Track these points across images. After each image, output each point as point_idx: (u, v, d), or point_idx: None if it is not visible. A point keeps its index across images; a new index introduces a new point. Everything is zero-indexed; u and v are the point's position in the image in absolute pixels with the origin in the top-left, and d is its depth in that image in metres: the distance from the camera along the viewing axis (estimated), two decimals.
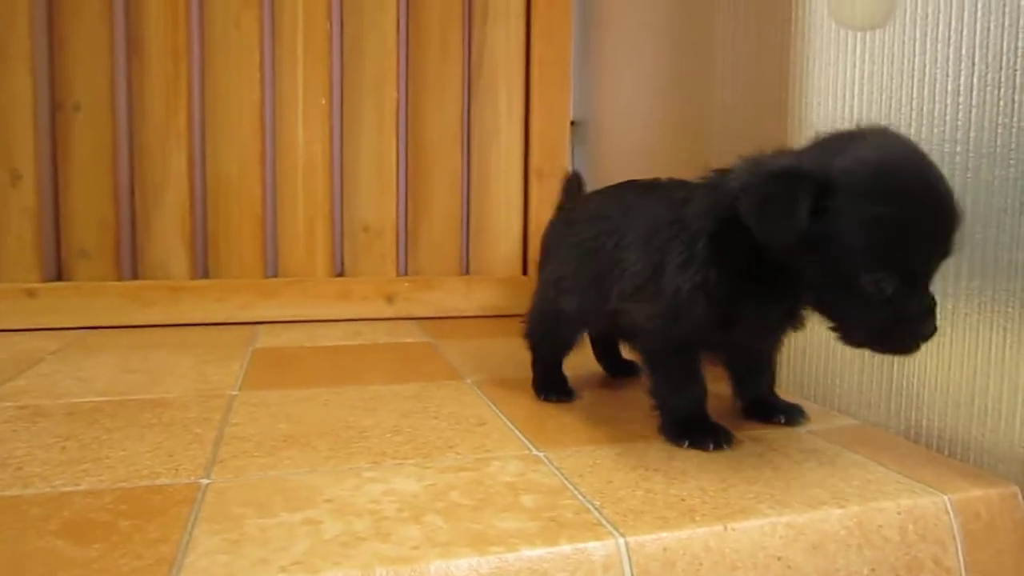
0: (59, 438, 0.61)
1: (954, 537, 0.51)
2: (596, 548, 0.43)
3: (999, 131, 0.57)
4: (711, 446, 0.59)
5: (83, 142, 1.14)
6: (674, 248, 0.58)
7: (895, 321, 0.50)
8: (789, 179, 0.50)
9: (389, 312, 1.25)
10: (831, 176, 0.48)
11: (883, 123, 0.55)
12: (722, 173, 0.58)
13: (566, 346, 0.76)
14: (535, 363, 0.78)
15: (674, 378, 0.62)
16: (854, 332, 0.52)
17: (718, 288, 0.56)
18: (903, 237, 0.48)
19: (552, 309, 0.74)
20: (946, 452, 0.61)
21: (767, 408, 0.68)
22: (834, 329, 0.54)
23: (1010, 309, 0.56)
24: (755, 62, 0.86)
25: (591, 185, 1.34)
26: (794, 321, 0.59)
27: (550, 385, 0.75)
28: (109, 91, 1.14)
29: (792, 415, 0.67)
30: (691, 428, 0.60)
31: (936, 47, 0.62)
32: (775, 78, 0.81)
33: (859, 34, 0.69)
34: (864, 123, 0.54)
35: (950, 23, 0.61)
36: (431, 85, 1.27)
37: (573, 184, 0.88)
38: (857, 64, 0.69)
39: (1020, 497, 0.53)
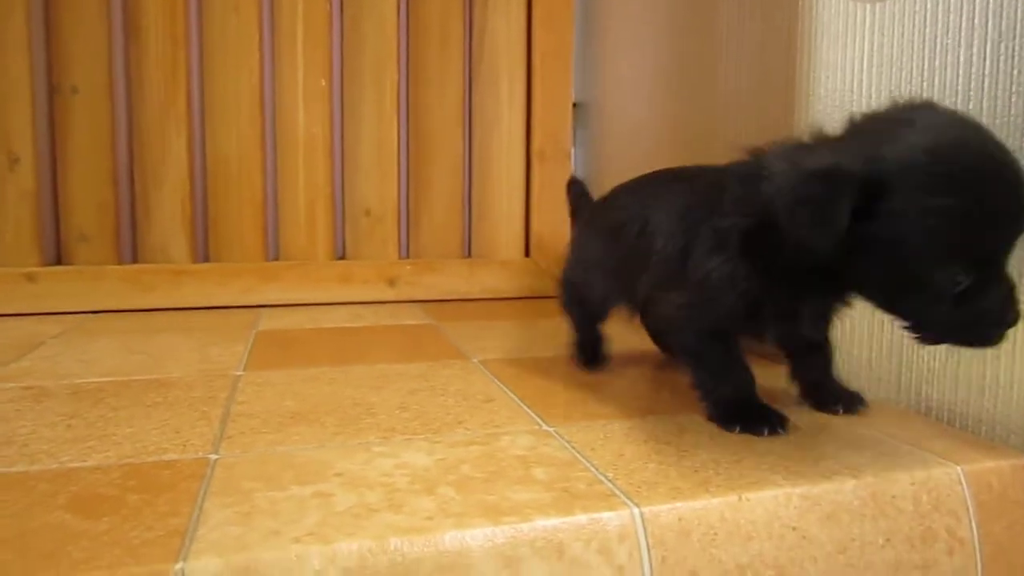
0: (64, 416, 0.61)
1: (967, 508, 0.50)
2: (611, 518, 0.43)
3: (1012, 100, 0.56)
4: (765, 431, 0.55)
5: (81, 125, 1.13)
6: (703, 233, 0.56)
7: (976, 313, 0.46)
8: (829, 181, 0.46)
9: (391, 295, 1.24)
10: (882, 172, 0.45)
11: (926, 98, 0.51)
12: (755, 159, 0.55)
13: (597, 317, 0.77)
14: (572, 330, 0.79)
15: (713, 365, 0.59)
16: (931, 330, 0.49)
17: (748, 282, 0.54)
18: (974, 226, 0.44)
19: (580, 285, 0.75)
20: (957, 425, 0.61)
21: (825, 394, 0.63)
22: (907, 328, 0.50)
23: (1021, 278, 0.56)
24: (761, 39, 0.85)
25: (592, 167, 1.34)
26: (833, 313, 0.57)
27: (585, 351, 0.77)
28: (107, 74, 1.13)
29: (850, 404, 0.63)
30: (741, 413, 0.57)
31: (948, 16, 0.61)
32: (782, 55, 0.80)
33: (868, 5, 0.68)
34: (905, 100, 0.50)
35: None
36: (432, 67, 1.26)
37: (576, 188, 0.87)
38: (866, 36, 0.69)
39: None
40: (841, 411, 0.62)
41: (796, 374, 0.65)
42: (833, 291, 0.55)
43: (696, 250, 0.56)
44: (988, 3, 0.58)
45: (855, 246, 0.46)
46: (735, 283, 0.54)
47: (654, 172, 0.71)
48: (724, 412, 0.58)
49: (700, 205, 0.58)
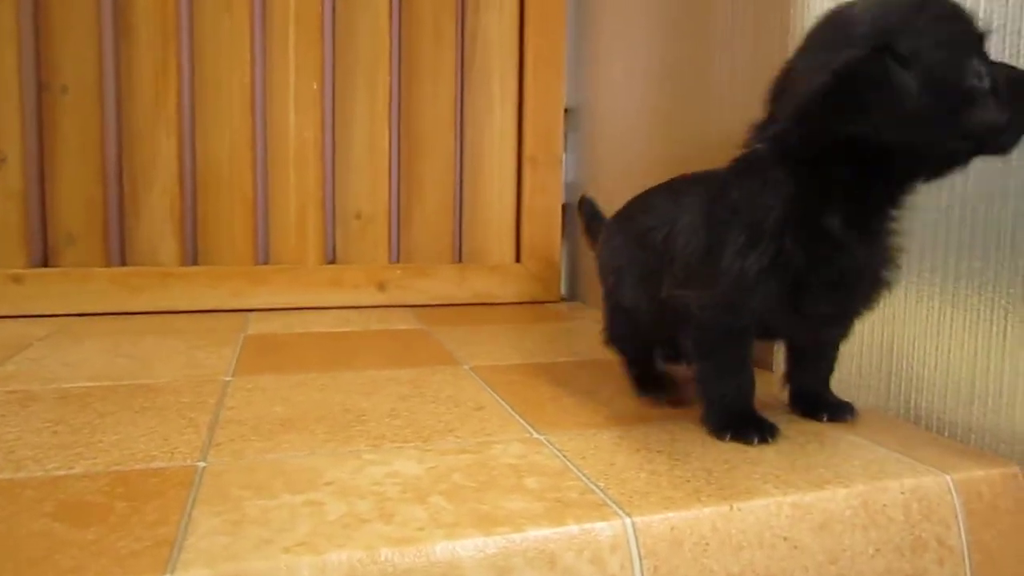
0: (50, 422, 0.60)
1: (957, 517, 0.51)
2: (603, 528, 0.43)
3: None
4: (755, 439, 0.56)
5: (70, 125, 1.12)
6: (731, 231, 0.54)
7: (1014, 86, 0.49)
8: (865, 64, 0.47)
9: (381, 299, 1.24)
10: (884, 33, 0.48)
11: None
12: (755, 138, 0.56)
13: (646, 338, 0.72)
14: (626, 364, 0.74)
15: (722, 366, 0.59)
16: (997, 128, 0.50)
17: (798, 255, 0.52)
18: (955, 20, 0.49)
19: (621, 304, 0.70)
20: (946, 433, 0.61)
21: (815, 402, 0.63)
22: (984, 149, 0.51)
23: (1012, 290, 0.56)
24: (752, 45, 0.85)
25: (584, 171, 1.34)
26: (888, 272, 0.56)
27: (653, 381, 0.71)
28: (97, 73, 1.12)
29: (836, 412, 0.63)
30: (735, 420, 0.57)
31: None
32: (775, 58, 0.80)
33: None
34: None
35: None
36: (424, 71, 1.26)
37: (587, 207, 0.85)
38: None
39: (1021, 477, 0.53)
40: (826, 419, 0.62)
41: (791, 376, 0.65)
42: (884, 218, 0.54)
43: (726, 249, 0.54)
44: (980, 6, 0.58)
45: (901, 110, 0.48)
46: (777, 269, 0.53)
47: (676, 178, 0.69)
48: (718, 419, 0.58)
49: (719, 206, 0.57)
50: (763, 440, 0.56)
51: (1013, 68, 0.51)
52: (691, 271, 0.58)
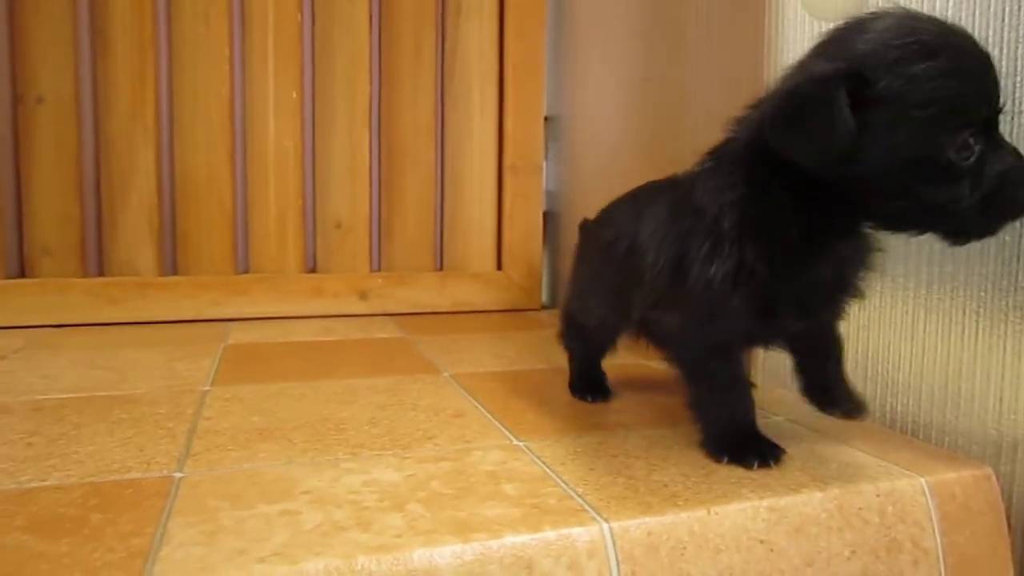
0: (24, 434, 0.59)
1: (931, 518, 0.51)
2: (580, 533, 0.43)
3: None
4: (755, 463, 0.53)
5: (46, 136, 1.11)
6: (695, 238, 0.52)
7: (999, 176, 0.44)
8: (813, 85, 0.44)
9: (362, 308, 1.24)
10: (861, 63, 0.44)
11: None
12: (717, 149, 0.54)
13: (599, 351, 0.73)
14: (571, 361, 0.75)
15: (714, 387, 0.55)
16: (962, 218, 0.45)
17: (759, 264, 0.50)
18: (964, 80, 0.43)
19: (578, 317, 0.70)
20: (921, 436, 0.62)
21: (828, 396, 0.60)
22: (940, 233, 0.47)
23: (983, 293, 0.57)
24: (728, 55, 0.86)
25: (564, 180, 1.35)
26: (858, 277, 0.54)
27: (586, 385, 0.72)
28: (73, 84, 1.12)
29: (849, 412, 0.59)
30: (733, 442, 0.54)
31: None
32: (749, 71, 0.82)
33: (827, 22, 0.69)
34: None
35: (922, 7, 0.61)
36: (404, 79, 1.26)
37: (588, 228, 0.84)
38: None
39: (994, 479, 0.54)
40: (839, 414, 0.59)
41: (801, 373, 0.61)
42: (849, 232, 0.51)
43: (693, 260, 0.52)
44: (947, 14, 0.59)
45: (860, 151, 0.44)
46: (744, 272, 0.50)
47: (640, 186, 0.68)
48: (716, 440, 0.55)
49: (684, 213, 0.54)
50: (764, 464, 0.53)
51: (1020, 159, 0.46)
52: (662, 290, 0.55)
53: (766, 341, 0.60)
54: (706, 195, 0.52)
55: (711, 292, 0.51)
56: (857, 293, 0.55)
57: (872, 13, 0.48)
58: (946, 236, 0.48)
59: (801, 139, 0.45)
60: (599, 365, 0.74)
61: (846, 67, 0.44)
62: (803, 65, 0.49)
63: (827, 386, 0.60)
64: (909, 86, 0.43)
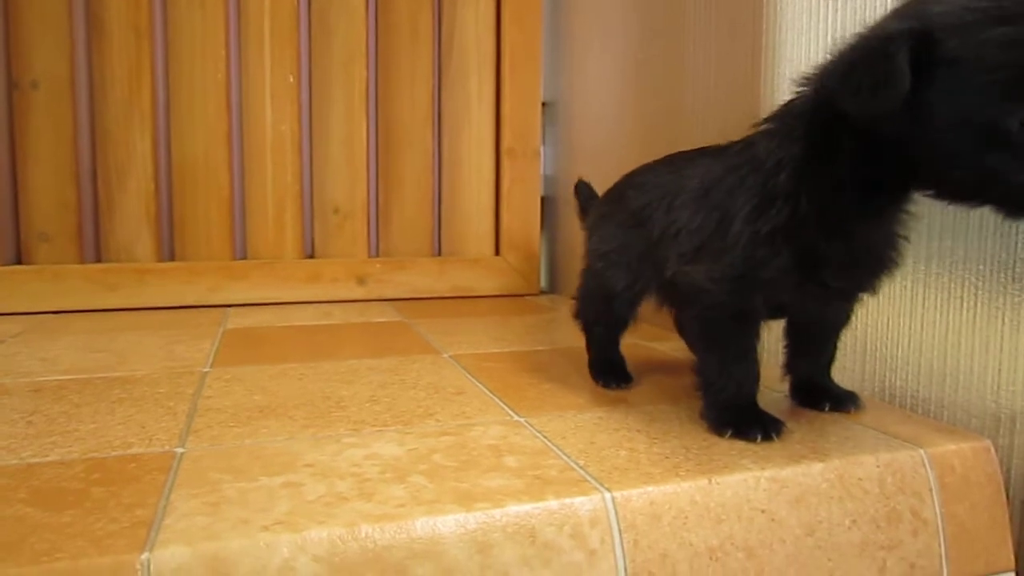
0: (24, 413, 0.59)
1: (931, 489, 0.51)
2: (583, 503, 0.43)
3: None
4: (759, 437, 0.52)
5: (42, 121, 1.11)
6: (741, 195, 0.52)
7: None
8: (877, 40, 0.44)
9: (360, 294, 1.24)
10: (931, 22, 0.42)
11: None
12: (778, 111, 0.53)
13: (620, 324, 0.70)
14: (589, 345, 0.73)
15: (727, 353, 0.55)
16: (1015, 194, 0.44)
17: (810, 220, 0.49)
18: None
19: (600, 287, 0.69)
20: (920, 411, 0.62)
21: (818, 392, 0.61)
22: (995, 207, 0.46)
23: (981, 267, 0.57)
24: (726, 36, 0.86)
25: (562, 164, 1.34)
26: (896, 252, 0.53)
27: (606, 369, 0.70)
28: (69, 69, 1.11)
29: (841, 403, 0.61)
30: (737, 415, 0.54)
31: None
32: (747, 52, 0.82)
33: (831, 2, 0.69)
34: None
35: None
36: (401, 64, 1.26)
37: (583, 190, 0.83)
38: (829, 32, 0.70)
39: (993, 451, 0.54)
40: (828, 408, 0.61)
41: (792, 366, 0.63)
42: (902, 200, 0.51)
43: (736, 215, 0.52)
44: None
45: (922, 111, 0.43)
46: (791, 228, 0.50)
47: (672, 154, 0.67)
48: (718, 414, 0.55)
49: (732, 173, 0.54)
50: (767, 437, 0.52)
51: None
52: (700, 243, 0.54)
53: (792, 309, 0.59)
54: (766, 150, 0.52)
55: (753, 246, 0.51)
56: (893, 266, 0.54)
57: None
58: (1000, 209, 0.46)
59: (855, 90, 0.44)
60: (618, 347, 0.72)
61: (916, 26, 0.43)
62: (877, 25, 0.48)
63: (817, 381, 0.62)
64: (979, 50, 0.41)
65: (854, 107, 0.45)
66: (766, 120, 0.54)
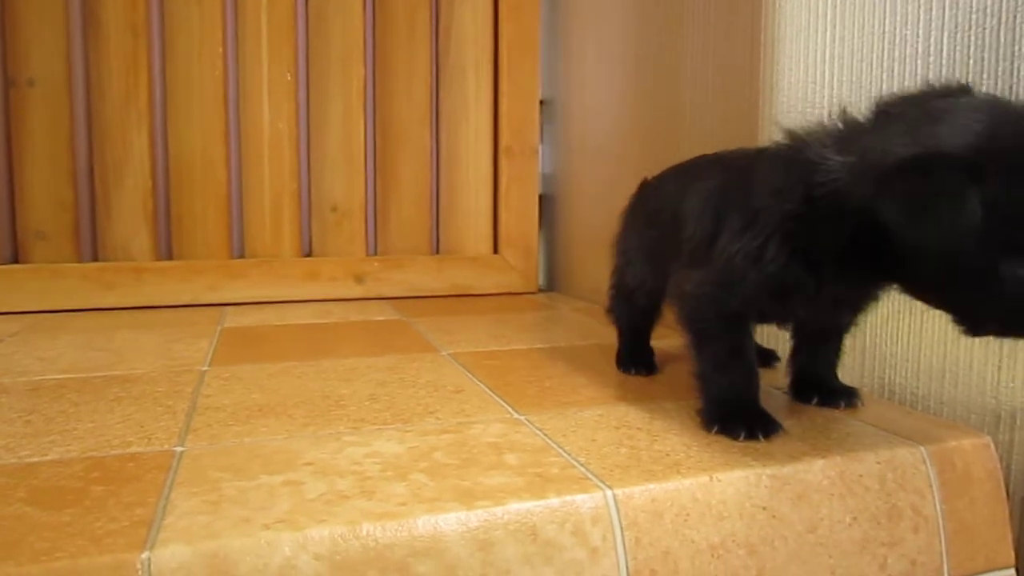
0: (22, 412, 0.59)
1: (931, 486, 0.51)
2: (584, 500, 0.43)
3: None
4: (742, 435, 0.52)
5: (39, 119, 1.10)
6: (732, 214, 0.53)
7: None
8: (948, 171, 0.41)
9: (358, 292, 1.23)
10: (977, 158, 0.41)
11: (959, 81, 0.48)
12: (793, 144, 0.52)
13: (642, 318, 0.74)
14: (619, 335, 0.77)
15: (720, 354, 0.56)
16: (986, 323, 0.46)
17: (775, 264, 0.51)
18: None
19: (622, 283, 0.74)
20: (920, 407, 0.62)
21: (812, 387, 0.62)
22: (959, 322, 0.46)
23: None
24: (725, 33, 0.86)
25: (560, 162, 1.34)
26: (868, 302, 0.55)
27: (632, 358, 0.74)
28: (65, 67, 1.11)
29: (832, 399, 0.61)
30: (726, 412, 0.54)
31: (906, 7, 0.62)
32: (746, 47, 0.81)
33: None
34: (939, 82, 0.48)
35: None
36: (399, 62, 1.26)
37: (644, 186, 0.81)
38: (828, 28, 0.70)
39: (992, 447, 0.54)
40: (815, 403, 0.61)
41: (793, 362, 0.63)
42: (872, 282, 0.52)
43: (725, 231, 0.54)
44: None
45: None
46: (762, 264, 0.51)
47: (692, 159, 0.69)
48: (710, 412, 0.55)
49: (732, 188, 0.55)
50: (751, 436, 0.52)
51: None
52: (697, 255, 0.57)
53: (780, 320, 0.61)
54: (764, 191, 0.52)
55: (734, 263, 0.52)
56: (860, 311, 0.57)
57: (961, 89, 0.46)
58: (971, 329, 0.47)
59: (922, 222, 0.42)
60: (647, 339, 0.76)
61: (973, 158, 0.41)
62: (913, 125, 0.45)
63: (818, 376, 0.62)
64: (1008, 205, 0.41)
65: (914, 238, 0.43)
66: (780, 149, 0.53)
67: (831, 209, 0.47)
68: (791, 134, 0.53)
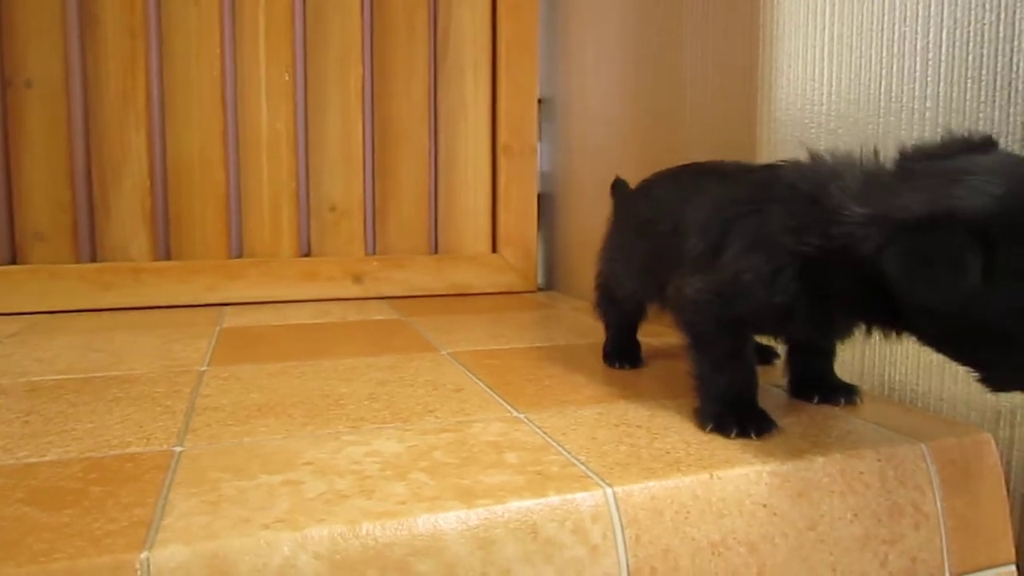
0: (20, 413, 0.59)
1: (931, 483, 0.51)
2: (584, 498, 0.43)
3: (968, 85, 0.58)
4: (733, 432, 0.52)
5: (36, 120, 1.10)
6: (741, 230, 0.53)
7: None
8: (951, 234, 0.41)
9: (357, 292, 1.23)
10: (988, 223, 0.41)
11: (983, 133, 0.48)
12: (814, 178, 0.51)
13: (629, 319, 0.76)
14: (606, 330, 0.78)
15: (719, 356, 0.56)
16: (1005, 378, 0.45)
17: (784, 294, 0.51)
18: None
19: (607, 287, 0.74)
20: (920, 405, 0.62)
21: (811, 385, 0.62)
22: (980, 379, 0.46)
23: None
24: (724, 32, 0.86)
25: (559, 161, 1.34)
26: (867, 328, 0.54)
27: (618, 352, 0.75)
28: (63, 68, 1.10)
29: (832, 396, 0.61)
30: (722, 410, 0.54)
31: (905, 4, 0.62)
32: (745, 45, 0.81)
33: None
34: (962, 135, 0.47)
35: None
36: (397, 61, 1.26)
37: (620, 189, 0.82)
38: (826, 26, 0.70)
39: (993, 444, 0.54)
40: (816, 401, 0.61)
41: (791, 363, 0.63)
42: (883, 328, 0.51)
43: (731, 246, 0.53)
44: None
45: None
46: (771, 290, 0.51)
47: (685, 166, 0.69)
48: (706, 406, 0.55)
49: (740, 203, 0.55)
50: (743, 434, 0.52)
51: None
52: (695, 259, 0.57)
53: (773, 336, 0.63)
54: (781, 226, 0.51)
55: (740, 281, 0.52)
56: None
57: (985, 144, 0.46)
58: (989, 381, 0.46)
59: (921, 284, 0.42)
60: (634, 334, 0.77)
61: (978, 223, 0.41)
62: (932, 184, 0.45)
63: (816, 376, 0.62)
64: (1014, 271, 0.40)
65: (912, 296, 0.43)
66: (799, 192, 0.52)
67: (846, 258, 0.46)
68: (815, 162, 0.52)
